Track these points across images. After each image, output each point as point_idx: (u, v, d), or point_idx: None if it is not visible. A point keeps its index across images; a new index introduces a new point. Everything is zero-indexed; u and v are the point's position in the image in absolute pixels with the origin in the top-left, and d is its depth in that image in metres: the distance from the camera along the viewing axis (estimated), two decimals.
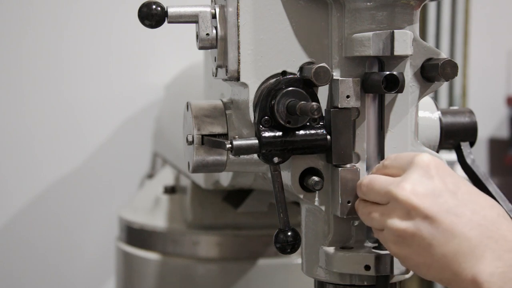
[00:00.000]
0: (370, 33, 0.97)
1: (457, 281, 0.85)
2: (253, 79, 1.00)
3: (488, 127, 2.99)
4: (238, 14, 0.98)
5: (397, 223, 0.89)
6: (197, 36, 1.01)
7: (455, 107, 1.19)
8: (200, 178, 1.44)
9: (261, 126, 0.98)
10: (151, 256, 1.67)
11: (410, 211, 0.87)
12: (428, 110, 1.14)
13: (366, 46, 0.97)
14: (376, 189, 0.93)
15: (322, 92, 1.01)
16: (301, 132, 0.99)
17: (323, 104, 1.01)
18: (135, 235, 1.73)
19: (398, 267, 0.98)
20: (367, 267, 0.98)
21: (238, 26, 0.98)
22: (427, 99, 1.15)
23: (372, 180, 0.94)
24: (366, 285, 1.01)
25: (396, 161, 0.94)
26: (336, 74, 1.00)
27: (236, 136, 1.04)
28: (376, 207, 0.93)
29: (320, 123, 1.00)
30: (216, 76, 1.05)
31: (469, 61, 2.74)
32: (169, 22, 0.99)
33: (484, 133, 2.96)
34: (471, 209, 0.87)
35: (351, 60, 1.00)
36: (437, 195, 0.87)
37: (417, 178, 0.89)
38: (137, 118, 2.38)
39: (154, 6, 0.98)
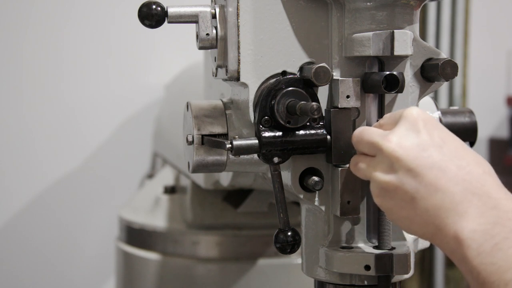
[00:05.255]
0: (370, 33, 0.97)
1: (440, 236, 0.85)
2: (253, 79, 1.00)
3: (488, 127, 2.99)
4: (238, 14, 0.98)
5: (381, 175, 0.89)
6: (197, 36, 1.01)
7: (455, 107, 1.19)
8: (200, 178, 1.44)
9: (261, 126, 0.98)
10: (151, 256, 1.67)
11: (394, 164, 0.87)
12: (428, 110, 1.14)
13: (366, 46, 0.97)
14: (365, 139, 0.93)
15: (322, 92, 1.01)
16: (301, 132, 0.99)
17: (323, 104, 1.01)
18: (135, 235, 1.73)
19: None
20: (367, 267, 0.98)
21: (238, 26, 0.98)
22: (427, 99, 1.15)
23: (362, 130, 0.95)
24: (366, 285, 1.01)
25: (389, 118, 0.94)
26: (336, 74, 1.00)
27: (236, 136, 1.04)
28: (364, 158, 0.94)
29: (320, 123, 1.00)
30: (216, 76, 1.05)
31: (469, 61, 2.74)
32: (169, 22, 0.99)
33: (484, 133, 2.96)
34: (456, 164, 0.86)
35: (351, 60, 1.00)
36: (422, 148, 0.87)
37: (404, 132, 0.89)
38: (137, 118, 2.38)
39: (154, 6, 0.98)
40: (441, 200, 0.84)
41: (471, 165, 0.87)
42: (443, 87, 2.70)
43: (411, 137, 0.88)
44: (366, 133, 0.94)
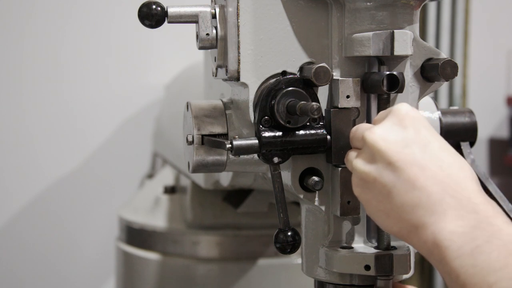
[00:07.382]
0: (370, 33, 0.97)
1: (416, 235, 0.84)
2: (253, 79, 1.00)
3: (488, 127, 2.99)
4: (238, 14, 0.98)
5: (361, 165, 0.89)
6: (197, 36, 1.01)
7: (455, 107, 1.19)
8: (200, 178, 1.44)
9: (261, 126, 0.98)
10: (151, 256, 1.67)
11: (375, 155, 0.88)
12: (428, 110, 1.14)
13: (366, 46, 0.97)
14: (357, 134, 0.94)
15: (322, 92, 1.01)
16: (301, 132, 0.99)
17: (323, 104, 1.01)
18: (135, 235, 1.73)
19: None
20: (367, 267, 0.98)
21: (238, 26, 0.99)
22: (427, 99, 1.15)
23: (356, 127, 0.96)
24: (366, 285, 1.01)
25: (381, 114, 0.95)
26: (336, 74, 1.00)
27: (236, 136, 1.04)
28: (354, 150, 0.95)
29: (320, 123, 1.00)
30: (216, 76, 1.05)
31: (469, 61, 2.74)
32: (169, 22, 0.99)
33: (484, 133, 2.96)
34: (437, 165, 0.85)
35: (351, 60, 1.00)
36: (405, 144, 0.87)
37: (389, 125, 0.89)
38: (137, 118, 2.38)
39: (154, 6, 0.98)
40: (418, 198, 0.84)
41: (453, 168, 0.86)
42: (443, 87, 2.70)
43: (396, 131, 0.88)
44: (358, 128, 0.95)
